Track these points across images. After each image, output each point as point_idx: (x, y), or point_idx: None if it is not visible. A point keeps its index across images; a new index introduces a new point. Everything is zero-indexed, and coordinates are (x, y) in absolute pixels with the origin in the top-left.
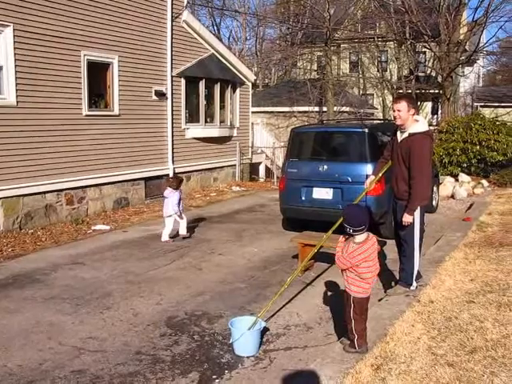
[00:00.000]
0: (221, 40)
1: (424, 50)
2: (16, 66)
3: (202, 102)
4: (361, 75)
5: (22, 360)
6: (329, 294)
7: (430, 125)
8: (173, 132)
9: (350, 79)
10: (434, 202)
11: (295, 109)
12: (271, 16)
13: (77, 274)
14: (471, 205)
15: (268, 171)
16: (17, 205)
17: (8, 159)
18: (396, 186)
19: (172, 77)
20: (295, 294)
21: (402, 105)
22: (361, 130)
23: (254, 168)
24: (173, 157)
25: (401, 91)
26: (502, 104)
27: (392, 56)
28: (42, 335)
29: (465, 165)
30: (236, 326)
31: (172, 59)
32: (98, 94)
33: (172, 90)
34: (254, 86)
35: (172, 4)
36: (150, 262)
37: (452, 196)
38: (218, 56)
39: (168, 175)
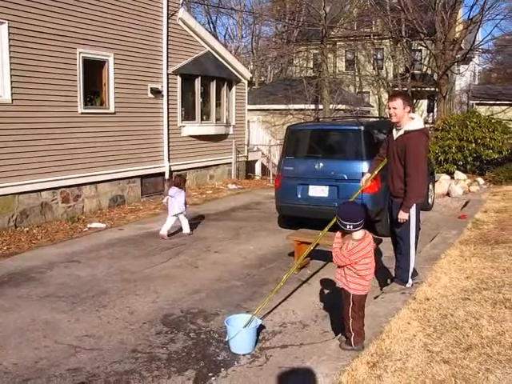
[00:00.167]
0: (217, 38)
1: (420, 47)
2: (11, 63)
3: (198, 99)
4: (357, 73)
5: (17, 358)
6: (325, 291)
7: (425, 123)
8: (169, 130)
9: (346, 77)
10: (429, 200)
11: (291, 106)
12: (267, 14)
13: (72, 272)
14: (467, 202)
15: (264, 169)
16: (12, 203)
17: (3, 157)
18: (392, 183)
19: (168, 74)
20: (291, 292)
21: (398, 102)
22: (357, 127)
23: (249, 166)
24: (169, 155)
25: (396, 89)
26: (498, 102)
27: (388, 54)
28: (38, 333)
29: (460, 162)
30: (232, 323)
31: (168, 57)
32: (93, 91)
33: (168, 87)
34: (250, 83)
35: (168, 2)
36: (146, 260)
37: (448, 194)
38: (214, 54)
39: (164, 173)
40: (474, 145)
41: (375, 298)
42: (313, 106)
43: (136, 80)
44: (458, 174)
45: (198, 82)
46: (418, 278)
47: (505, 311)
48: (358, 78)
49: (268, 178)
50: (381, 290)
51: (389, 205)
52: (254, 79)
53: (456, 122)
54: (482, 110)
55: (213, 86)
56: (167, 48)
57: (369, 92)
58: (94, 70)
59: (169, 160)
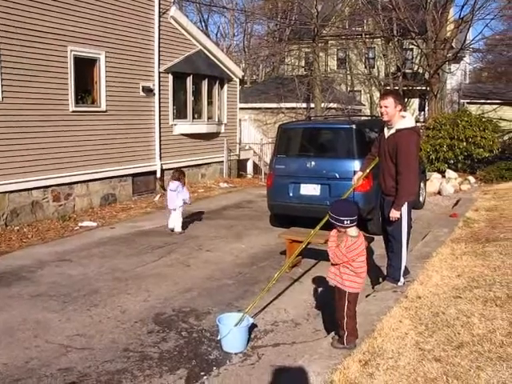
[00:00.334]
0: (208, 36)
1: (411, 46)
2: (1, 61)
3: (190, 98)
4: (348, 72)
5: (7, 358)
6: (317, 289)
7: (417, 121)
8: (160, 128)
9: (338, 76)
10: (421, 198)
11: (283, 105)
12: (259, 12)
13: (64, 271)
14: (458, 201)
15: (256, 167)
16: (2, 201)
17: None
18: (383, 181)
19: (159, 73)
20: (283, 290)
21: (389, 101)
22: (348, 126)
23: (241, 164)
24: (160, 153)
25: (388, 88)
26: (488, 101)
27: (379, 53)
28: (29, 333)
29: (452, 161)
30: (224, 322)
31: (159, 55)
32: (84, 89)
33: (159, 86)
34: (242, 82)
35: (159, 0)
36: (138, 259)
37: (439, 192)
38: (206, 52)
39: (155, 172)
40: (465, 143)
41: (367, 296)
42: (304, 105)
43: (127, 78)
44: (449, 173)
45: (189, 81)
46: (410, 276)
47: (495, 309)
48: (349, 77)
49: (260, 177)
50: (373, 288)
51: (380, 203)
52: (245, 78)
53: (447, 120)
54: (473, 109)
55: (204, 84)
56: (159, 46)
57: (360, 91)
58: (85, 68)
59: (160, 158)
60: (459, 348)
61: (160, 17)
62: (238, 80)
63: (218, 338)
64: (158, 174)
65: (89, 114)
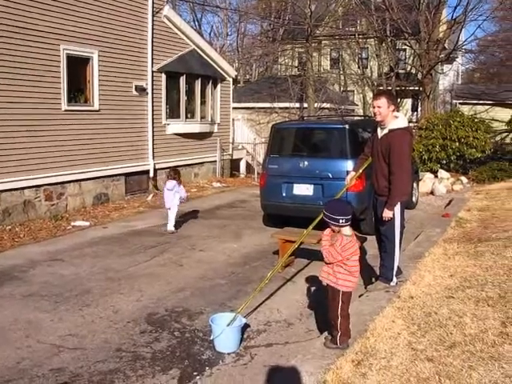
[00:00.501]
0: (202, 35)
1: (404, 47)
2: None
3: (183, 97)
4: (341, 72)
5: None
6: (309, 289)
7: (410, 122)
8: (153, 127)
9: (331, 76)
10: (413, 199)
11: (276, 105)
12: (252, 12)
13: (56, 271)
14: (450, 201)
15: (249, 167)
16: None
17: None
18: (376, 182)
19: (152, 72)
20: (275, 290)
21: (382, 101)
22: (341, 126)
23: (234, 164)
24: (153, 152)
25: (381, 88)
26: (481, 101)
27: (372, 53)
28: (20, 333)
29: (444, 161)
30: (216, 322)
31: (153, 54)
32: (77, 88)
33: (152, 85)
34: (235, 81)
35: None
36: (130, 259)
37: (431, 192)
38: (199, 51)
39: (148, 171)
40: (457, 144)
41: (360, 296)
42: (298, 105)
43: (120, 77)
44: (442, 173)
45: (182, 80)
46: (403, 276)
47: (487, 309)
48: (342, 77)
49: (253, 177)
50: (365, 288)
51: (373, 203)
52: (239, 77)
53: (440, 121)
54: (466, 110)
55: (198, 83)
56: (152, 45)
57: (353, 91)
58: (78, 67)
59: (153, 158)
60: (451, 348)
61: (153, 16)
62: (231, 79)
63: (211, 338)
64: (151, 174)
65: (81, 113)
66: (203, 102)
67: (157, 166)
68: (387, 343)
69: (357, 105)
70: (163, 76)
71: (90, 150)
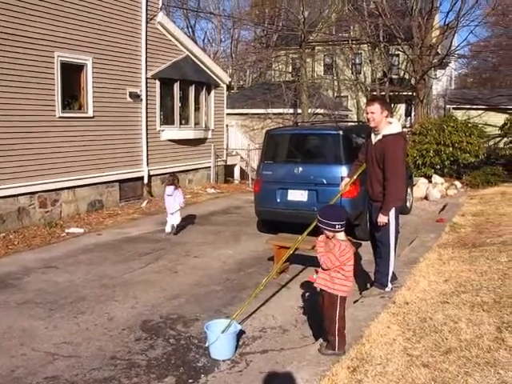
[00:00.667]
0: (196, 42)
1: (397, 52)
2: None
3: (177, 103)
4: (335, 77)
5: None
6: (304, 295)
7: (403, 127)
8: (147, 134)
9: (325, 81)
10: (408, 204)
11: (270, 111)
12: (246, 18)
13: (50, 278)
14: (444, 206)
15: (243, 173)
16: None
17: None
18: (371, 187)
19: (147, 79)
20: (270, 296)
21: (375, 107)
22: (335, 132)
23: (228, 170)
24: (147, 159)
25: (375, 93)
26: (474, 106)
27: (366, 58)
28: (15, 341)
29: (438, 166)
30: (212, 329)
31: (147, 61)
32: (71, 95)
33: (147, 91)
34: (229, 87)
35: (147, 5)
36: (125, 266)
37: (426, 197)
38: (193, 58)
39: (143, 177)
40: (451, 149)
41: (355, 302)
42: (291, 111)
43: (115, 84)
44: (436, 178)
45: (176, 86)
46: (398, 282)
47: (482, 314)
48: (336, 83)
49: (247, 182)
50: (360, 294)
51: (368, 209)
52: (232, 83)
53: (433, 126)
54: (459, 115)
55: (191, 90)
56: (146, 52)
57: (347, 96)
58: (72, 74)
59: (147, 164)
60: (447, 353)
61: (147, 23)
62: (225, 86)
63: (206, 345)
64: (146, 180)
65: (76, 120)
66: (197, 109)
67: (151, 173)
68: (383, 349)
69: (350, 110)
70: (157, 82)
71: (84, 156)
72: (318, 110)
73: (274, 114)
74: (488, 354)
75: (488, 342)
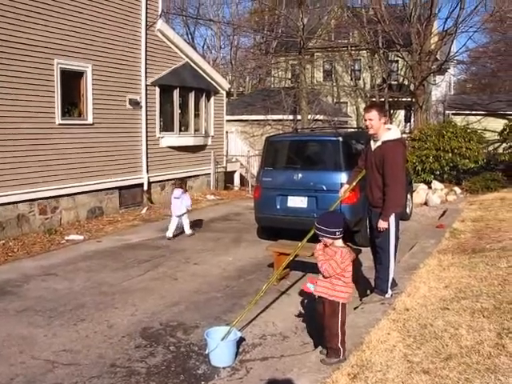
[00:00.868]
0: (195, 49)
1: (396, 58)
2: None
3: (177, 110)
4: (334, 84)
5: None
6: (304, 302)
7: (403, 133)
8: (147, 141)
9: (324, 87)
10: (407, 210)
11: (269, 117)
12: (246, 25)
13: (50, 286)
14: (444, 212)
15: (243, 180)
16: None
17: None
18: (371, 193)
19: (146, 85)
20: (270, 303)
21: (373, 114)
22: (335, 138)
23: (228, 176)
24: (147, 166)
25: (374, 99)
26: (473, 112)
27: (365, 65)
28: (14, 349)
29: (438, 172)
30: (212, 336)
31: (146, 68)
32: (71, 102)
33: (146, 98)
34: (229, 94)
35: (146, 13)
36: (124, 273)
37: (425, 203)
38: (193, 65)
39: (142, 184)
40: (450, 154)
41: (355, 308)
42: (291, 117)
43: (114, 91)
44: (436, 184)
45: (176, 93)
46: (398, 288)
47: (483, 320)
48: (335, 89)
49: (247, 189)
50: (360, 300)
51: (368, 215)
52: (232, 90)
53: (433, 131)
54: (458, 120)
55: (191, 96)
56: (146, 59)
57: (347, 102)
58: (71, 81)
59: (147, 171)
60: (447, 360)
61: (147, 30)
62: (224, 92)
63: (206, 352)
64: (145, 187)
65: (75, 127)
66: (197, 115)
67: (151, 180)
68: (383, 356)
69: (350, 116)
70: (157, 89)
71: (84, 163)
72: (318, 117)
73: (274, 120)
74: (488, 361)
75: (488, 349)
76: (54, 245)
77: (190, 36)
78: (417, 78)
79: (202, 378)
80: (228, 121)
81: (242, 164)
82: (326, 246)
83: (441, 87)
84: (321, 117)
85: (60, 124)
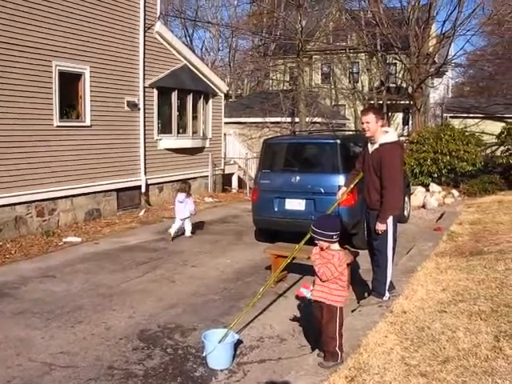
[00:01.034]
0: (193, 51)
1: (395, 61)
2: None
3: (175, 112)
4: (333, 86)
5: None
6: (302, 305)
7: (401, 135)
8: (145, 143)
9: (322, 90)
10: (405, 212)
11: (268, 119)
12: (244, 27)
13: (47, 288)
14: (442, 214)
15: (241, 182)
16: None
17: None
18: (368, 196)
19: (144, 88)
20: (268, 305)
21: (370, 117)
22: (333, 141)
23: (226, 179)
24: (145, 168)
25: (372, 102)
26: (471, 115)
27: (363, 67)
28: (11, 351)
29: (435, 175)
30: (209, 338)
31: (144, 70)
32: (69, 104)
33: (144, 100)
34: (227, 96)
35: (145, 15)
36: (122, 275)
37: (423, 206)
38: (191, 67)
39: (140, 186)
40: (448, 157)
41: (353, 311)
42: (289, 119)
43: (112, 93)
44: (433, 187)
45: (174, 95)
46: (395, 291)
47: (480, 323)
48: (334, 91)
49: (245, 191)
50: (358, 303)
51: (366, 217)
52: (230, 92)
53: (431, 134)
54: (456, 123)
55: (189, 99)
56: (144, 61)
57: (345, 105)
58: (70, 83)
59: (145, 173)
60: (445, 363)
61: (145, 32)
62: (222, 95)
63: (204, 355)
64: (143, 189)
65: (73, 129)
66: (195, 117)
67: (149, 182)
68: (380, 358)
69: (348, 119)
70: (155, 91)
71: (81, 165)
72: (316, 119)
73: (272, 122)
74: (486, 363)
75: (486, 351)
76: (52, 247)
77: (188, 38)
78: (415, 80)
79: (199, 381)
80: (226, 123)
81: (239, 166)
82: (322, 249)
83: (439, 90)
84: (319, 119)
85: (58, 126)
